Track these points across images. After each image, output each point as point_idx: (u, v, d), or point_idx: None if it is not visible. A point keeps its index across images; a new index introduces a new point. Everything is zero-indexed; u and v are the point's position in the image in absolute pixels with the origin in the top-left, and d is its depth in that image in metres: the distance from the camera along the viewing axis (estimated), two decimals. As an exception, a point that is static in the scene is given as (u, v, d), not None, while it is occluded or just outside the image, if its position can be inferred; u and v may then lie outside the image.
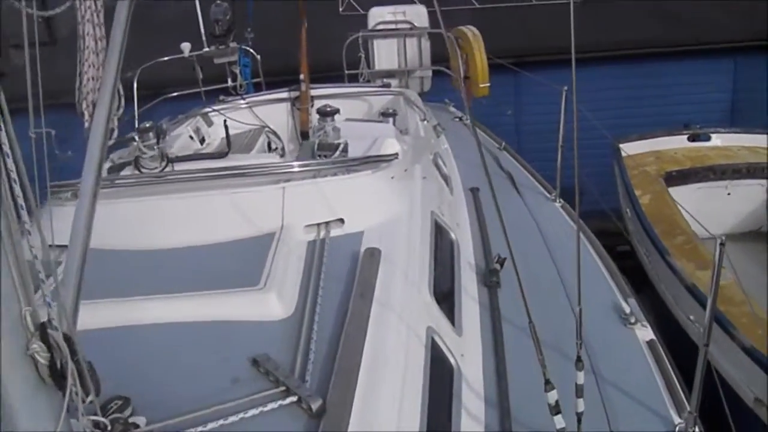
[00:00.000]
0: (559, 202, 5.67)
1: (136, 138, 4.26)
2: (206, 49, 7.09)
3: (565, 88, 5.13)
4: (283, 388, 2.42)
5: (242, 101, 6.64)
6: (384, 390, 2.52)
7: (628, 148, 8.21)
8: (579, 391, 2.68)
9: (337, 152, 4.45)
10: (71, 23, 4.06)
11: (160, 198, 3.78)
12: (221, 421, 2.26)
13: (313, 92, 6.52)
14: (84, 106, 4.12)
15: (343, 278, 3.19)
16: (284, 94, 6.72)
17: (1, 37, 4.58)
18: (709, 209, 7.28)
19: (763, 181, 7.82)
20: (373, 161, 4.11)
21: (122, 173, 4.25)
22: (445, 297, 3.63)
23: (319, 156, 4.45)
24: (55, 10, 2.85)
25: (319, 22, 8.01)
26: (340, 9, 9.44)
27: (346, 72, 8.28)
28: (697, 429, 3.01)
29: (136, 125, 4.59)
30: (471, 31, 8.14)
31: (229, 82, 7.42)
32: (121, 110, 4.42)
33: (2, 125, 1.56)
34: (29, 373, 1.67)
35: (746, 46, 10.82)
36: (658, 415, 3.19)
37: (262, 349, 2.65)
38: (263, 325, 2.89)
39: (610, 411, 3.14)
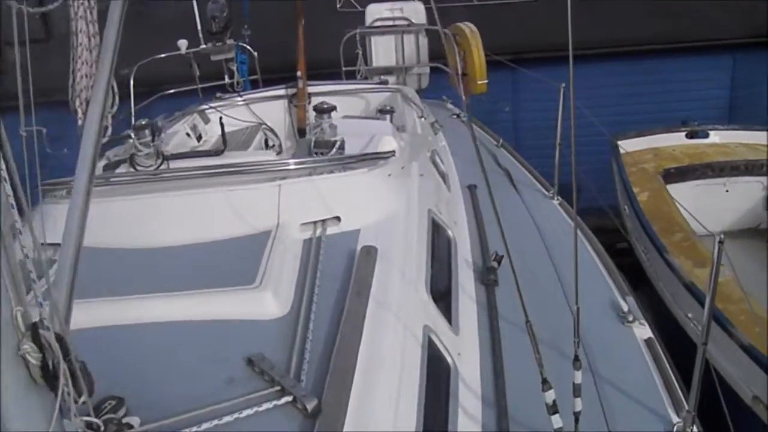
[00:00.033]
0: (557, 199, 5.66)
1: (132, 135, 4.24)
2: (203, 46, 7.04)
3: (563, 85, 5.12)
4: (278, 388, 2.40)
5: (239, 98, 6.62)
6: (380, 389, 2.51)
7: (627, 145, 8.21)
8: (576, 391, 2.67)
9: (334, 149, 4.43)
10: (68, 20, 4.04)
11: (155, 196, 3.76)
12: (216, 422, 2.24)
13: (311, 89, 6.50)
14: (77, 103, 4.10)
15: (339, 276, 3.17)
16: (281, 91, 6.71)
17: (1, 36, 4.56)
18: (707, 206, 7.28)
19: (762, 178, 7.82)
20: (369, 159, 4.09)
21: (117, 171, 4.23)
22: (442, 295, 3.61)
23: (316, 153, 4.44)
24: (47, 6, 2.83)
25: (317, 19, 7.99)
26: (338, 6, 9.41)
27: (344, 69, 8.26)
28: (695, 428, 3.00)
29: (133, 122, 4.58)
30: (469, 28, 8.12)
31: (226, 79, 7.38)
32: (115, 108, 4.40)
33: None
34: (21, 374, 1.65)
35: (745, 42, 10.80)
36: (656, 414, 3.17)
37: (257, 348, 2.63)
38: (259, 323, 2.87)
39: (608, 410, 3.13)
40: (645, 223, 6.84)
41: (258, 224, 3.59)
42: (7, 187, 1.59)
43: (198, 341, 2.77)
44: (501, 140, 7.08)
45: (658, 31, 10.94)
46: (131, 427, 2.20)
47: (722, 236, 2.66)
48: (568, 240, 4.50)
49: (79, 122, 4.08)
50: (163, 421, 2.23)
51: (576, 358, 2.66)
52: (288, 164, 4.03)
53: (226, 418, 2.26)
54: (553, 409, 2.52)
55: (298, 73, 6.58)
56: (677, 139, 8.58)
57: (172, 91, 6.88)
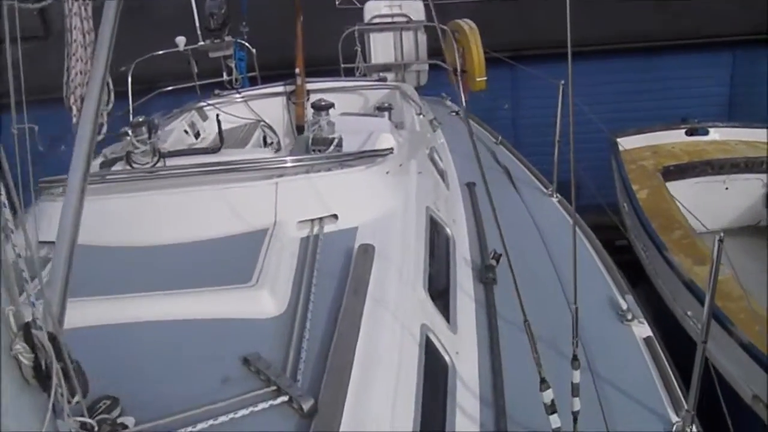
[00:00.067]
0: (556, 197, 5.64)
1: (130, 132, 4.22)
2: (201, 43, 7.04)
3: (562, 82, 5.09)
4: (274, 388, 2.39)
5: (238, 95, 6.61)
6: (377, 389, 2.49)
7: (626, 143, 8.19)
8: (575, 390, 2.65)
9: (332, 147, 4.42)
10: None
11: (151, 194, 3.75)
12: (211, 422, 2.23)
13: (309, 86, 6.49)
14: (72, 100, 4.08)
15: (336, 275, 3.16)
16: (280, 88, 6.70)
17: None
18: (707, 204, 7.27)
19: (762, 176, 7.80)
20: (367, 156, 4.08)
21: (114, 168, 4.21)
22: (440, 294, 3.59)
23: (313, 151, 4.42)
24: (40, 3, 2.81)
25: (315, 16, 7.97)
26: (337, 2, 9.38)
27: (342, 66, 8.24)
28: (694, 427, 2.99)
29: (131, 119, 4.56)
30: (468, 25, 8.09)
31: (225, 76, 7.37)
32: (111, 105, 4.37)
33: None
34: (13, 374, 1.64)
35: (745, 39, 10.77)
36: (655, 413, 3.16)
37: (253, 347, 2.62)
38: (255, 322, 2.86)
39: (607, 409, 3.11)
40: (644, 221, 6.83)
41: (255, 222, 3.58)
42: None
43: (194, 340, 2.76)
44: (500, 137, 7.06)
45: (658, 27, 10.91)
46: (126, 427, 2.19)
47: (722, 235, 2.64)
48: (566, 238, 4.47)
49: (74, 120, 4.06)
50: (157, 421, 2.21)
51: (574, 358, 2.65)
52: (285, 162, 4.01)
53: (222, 418, 2.24)
54: (551, 408, 2.50)
55: (297, 70, 6.56)
56: (677, 136, 8.57)
57: (170, 88, 6.87)
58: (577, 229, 3.97)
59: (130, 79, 6.16)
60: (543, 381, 2.50)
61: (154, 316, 2.85)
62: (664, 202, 7.13)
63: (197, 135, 5.70)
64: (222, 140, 4.70)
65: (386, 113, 5.70)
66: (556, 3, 2.72)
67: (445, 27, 7.96)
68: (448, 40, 7.85)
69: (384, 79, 7.18)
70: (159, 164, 4.20)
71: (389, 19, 8.66)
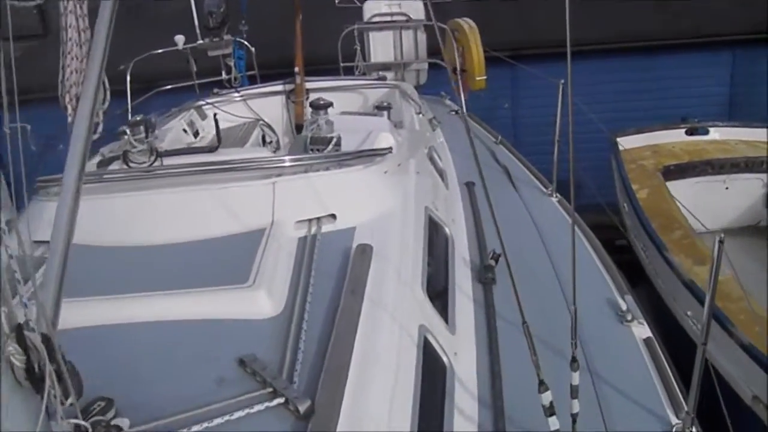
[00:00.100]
0: (556, 196, 5.62)
1: (127, 131, 4.21)
2: (200, 42, 7.03)
3: (562, 81, 5.07)
4: (270, 390, 2.37)
5: (237, 94, 6.61)
6: (374, 390, 2.47)
7: (626, 142, 8.18)
8: (574, 392, 2.63)
9: (330, 146, 4.40)
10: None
11: (148, 193, 3.72)
12: (206, 424, 2.20)
13: (309, 85, 6.48)
14: (67, 99, 4.06)
15: (334, 275, 3.14)
16: (279, 87, 6.69)
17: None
18: (707, 204, 7.26)
19: (762, 176, 7.79)
20: (366, 155, 4.06)
21: (110, 167, 4.19)
22: (439, 294, 3.57)
23: (312, 150, 4.40)
24: (35, 1, 2.79)
25: (315, 14, 7.96)
26: (336, 1, 9.37)
27: (342, 65, 8.23)
28: (694, 429, 2.97)
29: (129, 118, 4.55)
30: (467, 24, 8.09)
31: (224, 75, 7.37)
32: (107, 104, 4.35)
33: None
34: (6, 376, 1.62)
35: (745, 39, 10.76)
36: (654, 415, 3.14)
37: (250, 348, 2.60)
38: (252, 323, 2.84)
39: (606, 411, 3.09)
40: (644, 221, 6.81)
41: (252, 222, 3.56)
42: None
43: (190, 341, 2.73)
44: (500, 137, 7.04)
45: (658, 27, 10.90)
46: (120, 429, 2.16)
47: (722, 236, 2.62)
48: (566, 237, 4.44)
49: (69, 119, 4.04)
50: (152, 423, 2.19)
51: (573, 359, 2.63)
52: (283, 161, 3.99)
53: (217, 420, 2.22)
54: (550, 410, 2.48)
55: (296, 69, 6.55)
56: (677, 136, 8.55)
57: (169, 87, 6.86)
58: (577, 229, 3.95)
59: (128, 78, 6.15)
60: (542, 383, 2.48)
61: (150, 316, 2.83)
62: (664, 201, 7.11)
63: (196, 134, 5.69)
64: (220, 139, 4.68)
65: (385, 112, 5.68)
66: (556, 2, 2.70)
67: (444, 26, 7.95)
68: (447, 40, 7.84)
69: (383, 78, 7.18)
70: (156, 163, 4.18)
71: (389, 18, 8.66)
